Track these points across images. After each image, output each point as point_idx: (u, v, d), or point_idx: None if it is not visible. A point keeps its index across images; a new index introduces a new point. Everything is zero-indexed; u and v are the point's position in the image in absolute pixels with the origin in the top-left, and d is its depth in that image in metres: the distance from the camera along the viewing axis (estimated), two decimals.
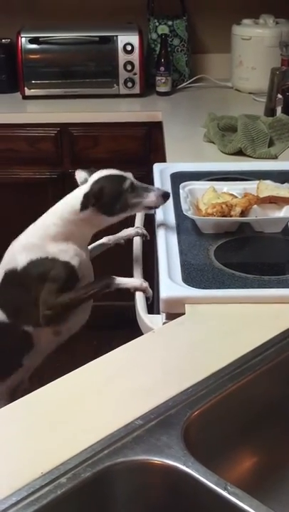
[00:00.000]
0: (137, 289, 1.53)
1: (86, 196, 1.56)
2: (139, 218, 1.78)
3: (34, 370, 1.77)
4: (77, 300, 1.60)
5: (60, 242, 1.60)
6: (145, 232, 1.75)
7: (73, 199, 1.60)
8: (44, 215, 1.66)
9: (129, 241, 1.76)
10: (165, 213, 1.61)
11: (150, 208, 1.59)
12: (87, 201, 1.55)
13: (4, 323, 1.66)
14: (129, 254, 1.71)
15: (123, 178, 1.57)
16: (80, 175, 1.65)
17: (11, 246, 1.69)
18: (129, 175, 1.59)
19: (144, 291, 1.52)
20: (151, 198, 1.56)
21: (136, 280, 1.56)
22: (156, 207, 1.59)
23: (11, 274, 1.65)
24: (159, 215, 1.61)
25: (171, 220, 1.59)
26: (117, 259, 1.85)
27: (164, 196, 1.57)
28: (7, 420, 0.98)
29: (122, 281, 1.56)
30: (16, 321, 1.65)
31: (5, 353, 1.70)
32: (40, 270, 1.60)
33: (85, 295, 1.60)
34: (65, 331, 1.67)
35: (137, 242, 1.72)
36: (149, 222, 1.72)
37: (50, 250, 1.60)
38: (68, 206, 1.61)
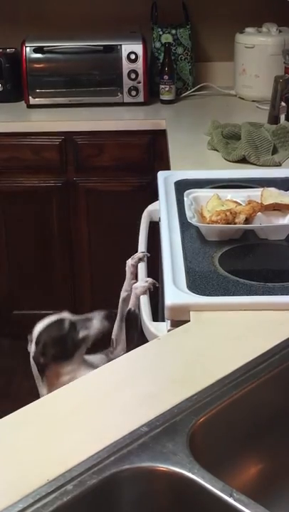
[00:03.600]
0: (146, 288, 1.53)
1: (35, 359, 1.55)
2: (142, 241, 1.74)
3: None
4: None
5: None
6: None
7: (33, 368, 1.59)
8: None
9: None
10: (169, 221, 1.62)
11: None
12: (39, 364, 1.54)
13: None
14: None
15: (61, 322, 1.57)
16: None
17: None
18: (65, 315, 1.59)
19: (152, 285, 1.52)
20: (95, 325, 1.57)
21: (142, 284, 1.55)
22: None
23: None
24: (164, 222, 1.61)
25: (176, 227, 1.59)
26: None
27: (107, 317, 1.57)
28: (13, 427, 0.98)
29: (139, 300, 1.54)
30: None
31: None
32: None
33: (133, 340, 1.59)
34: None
35: (142, 266, 1.67)
36: (154, 231, 1.72)
37: None
38: (35, 375, 1.59)
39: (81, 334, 1.56)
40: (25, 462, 0.91)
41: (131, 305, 1.63)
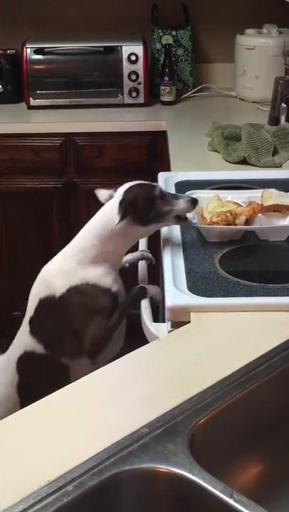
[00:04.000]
0: (155, 296, 1.53)
1: (121, 204, 1.50)
2: (143, 240, 1.76)
3: None
4: (119, 322, 1.55)
5: (98, 265, 1.54)
6: (150, 255, 1.71)
7: (106, 215, 1.55)
8: (77, 238, 1.59)
9: (132, 265, 1.72)
10: None
11: (180, 217, 1.54)
12: (123, 210, 1.49)
13: (40, 354, 1.59)
14: (134, 276, 1.69)
15: (153, 186, 1.55)
16: (101, 193, 1.60)
17: (43, 272, 1.61)
18: (157, 184, 1.58)
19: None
20: (181, 205, 1.52)
21: (155, 287, 1.55)
22: (186, 218, 1.56)
23: (48, 302, 1.57)
24: None
25: (176, 228, 1.60)
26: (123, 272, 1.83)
27: (193, 202, 1.53)
28: (14, 429, 0.98)
29: (151, 289, 1.54)
30: (53, 353, 1.58)
31: (38, 386, 1.56)
32: (82, 299, 1.53)
33: (124, 312, 1.56)
34: (102, 359, 1.57)
35: (143, 265, 1.69)
36: (154, 237, 1.71)
37: (89, 275, 1.53)
38: (102, 223, 1.55)
39: (167, 207, 1.52)
40: (25, 463, 0.91)
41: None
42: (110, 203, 1.56)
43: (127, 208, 1.50)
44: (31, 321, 1.61)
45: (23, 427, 0.99)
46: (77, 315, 1.54)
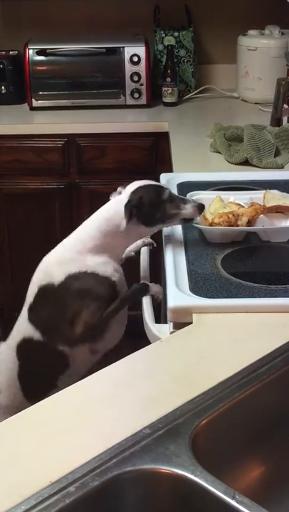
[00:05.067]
0: (157, 294, 1.53)
1: (127, 207, 1.51)
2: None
3: None
4: (115, 312, 1.56)
5: (97, 256, 1.55)
6: (151, 240, 1.74)
7: (110, 210, 1.56)
8: (79, 229, 1.62)
9: (137, 253, 1.74)
10: None
11: (185, 220, 1.55)
12: (129, 212, 1.50)
13: (38, 341, 1.60)
14: (136, 264, 1.71)
15: (162, 189, 1.55)
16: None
17: (43, 261, 1.63)
18: (166, 186, 1.58)
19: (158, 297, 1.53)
20: (188, 209, 1.53)
21: (157, 286, 1.56)
22: (192, 219, 1.56)
23: (47, 290, 1.58)
24: None
25: (178, 229, 1.60)
26: (125, 270, 1.85)
27: (200, 208, 1.54)
28: (16, 429, 0.98)
29: (153, 287, 1.55)
30: (51, 340, 1.59)
31: (39, 374, 1.64)
32: (80, 285, 1.54)
33: (123, 303, 1.56)
34: (101, 348, 1.60)
35: (144, 252, 1.72)
36: (156, 238, 1.72)
37: (88, 263, 1.54)
38: (105, 218, 1.56)
39: (174, 211, 1.53)
40: (27, 464, 0.91)
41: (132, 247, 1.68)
42: (117, 199, 1.56)
43: (133, 210, 1.50)
44: (30, 309, 1.63)
45: (26, 427, 0.99)
46: (73, 301, 1.55)
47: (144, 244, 1.74)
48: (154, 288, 1.55)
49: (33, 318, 1.62)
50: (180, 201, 1.54)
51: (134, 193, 1.54)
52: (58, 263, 1.58)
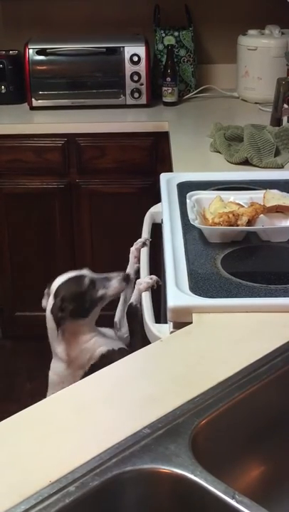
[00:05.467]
0: (148, 285, 1.55)
1: (53, 312, 1.56)
2: (146, 229, 1.78)
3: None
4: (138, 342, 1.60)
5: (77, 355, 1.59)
6: (144, 239, 1.73)
7: (49, 321, 1.60)
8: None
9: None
10: (172, 223, 1.62)
11: (126, 277, 1.60)
12: (57, 316, 1.55)
13: None
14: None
15: (81, 278, 1.58)
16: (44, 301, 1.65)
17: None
18: (85, 272, 1.60)
19: (155, 283, 1.54)
20: (114, 285, 1.58)
21: (146, 278, 1.57)
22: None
23: None
24: (166, 224, 1.61)
25: (178, 229, 1.60)
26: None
27: (125, 279, 1.58)
28: (15, 429, 0.98)
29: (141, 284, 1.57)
30: None
31: None
32: None
33: (136, 337, 1.62)
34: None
35: (144, 252, 1.71)
36: (157, 233, 1.72)
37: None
38: (51, 337, 1.60)
39: (100, 293, 1.57)
40: (27, 464, 0.91)
41: (133, 299, 1.66)
42: (49, 304, 1.59)
43: (58, 314, 1.54)
44: None
45: (25, 427, 0.99)
46: None
47: (142, 247, 1.73)
48: (143, 285, 1.56)
49: None
50: (103, 281, 1.58)
51: (55, 295, 1.57)
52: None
